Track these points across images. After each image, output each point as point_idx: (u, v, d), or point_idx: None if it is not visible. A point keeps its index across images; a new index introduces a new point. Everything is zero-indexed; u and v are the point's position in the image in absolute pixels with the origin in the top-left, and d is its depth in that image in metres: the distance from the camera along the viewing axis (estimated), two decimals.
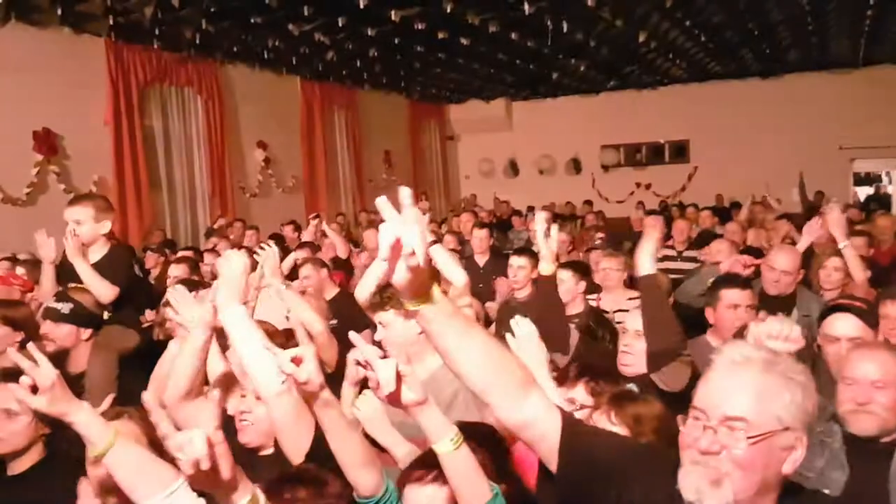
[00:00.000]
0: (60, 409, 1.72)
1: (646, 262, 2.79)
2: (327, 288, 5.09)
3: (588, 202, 14.46)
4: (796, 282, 4.10)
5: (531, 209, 14.54)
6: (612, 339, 3.74)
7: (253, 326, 2.11)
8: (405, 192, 1.31)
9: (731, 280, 3.53)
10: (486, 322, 4.61)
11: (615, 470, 1.45)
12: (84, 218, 3.48)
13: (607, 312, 4.57)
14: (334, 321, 4.17)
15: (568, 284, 4.13)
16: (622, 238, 7.35)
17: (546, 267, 3.29)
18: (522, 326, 2.23)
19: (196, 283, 3.67)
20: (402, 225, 1.26)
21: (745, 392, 1.33)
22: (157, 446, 1.96)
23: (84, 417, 1.73)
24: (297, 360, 1.59)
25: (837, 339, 2.64)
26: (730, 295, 3.33)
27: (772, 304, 3.76)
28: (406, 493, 1.70)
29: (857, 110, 14.43)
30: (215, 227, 9.03)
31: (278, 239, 8.71)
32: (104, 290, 3.27)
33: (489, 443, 1.93)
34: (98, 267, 3.36)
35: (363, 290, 3.17)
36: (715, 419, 1.33)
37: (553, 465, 1.46)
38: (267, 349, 1.70)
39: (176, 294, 2.42)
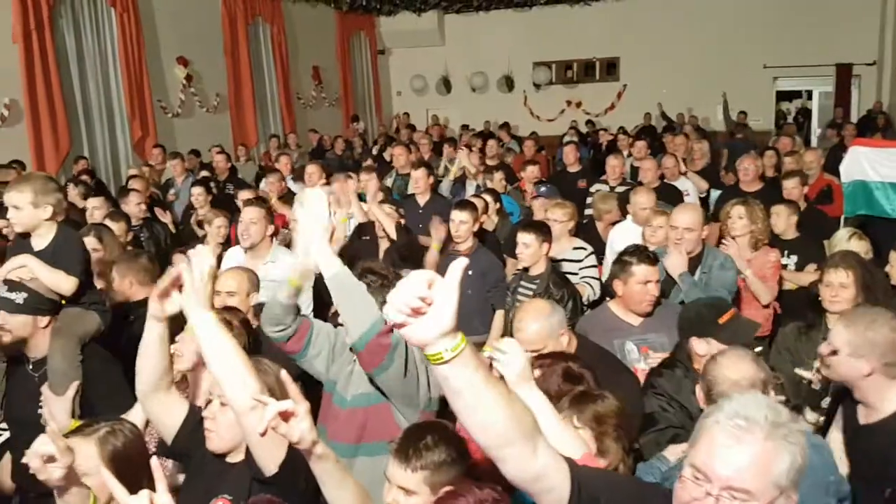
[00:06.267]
0: None
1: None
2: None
3: (505, 125, 14.29)
4: (700, 239, 3.99)
5: (465, 128, 14.44)
6: (570, 298, 3.80)
7: (223, 336, 2.01)
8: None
9: (642, 254, 3.42)
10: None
11: None
12: (21, 203, 3.08)
13: (555, 260, 4.65)
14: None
15: (532, 248, 4.04)
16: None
17: None
18: (510, 351, 1.95)
19: None
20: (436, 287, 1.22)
21: (749, 463, 1.35)
22: (116, 463, 1.96)
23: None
24: (286, 416, 1.52)
25: None
26: (641, 271, 3.31)
27: None
28: None
29: (782, 29, 14.64)
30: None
31: (209, 171, 8.41)
32: (64, 284, 3.02)
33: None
34: (45, 255, 3.07)
35: None
36: (717, 487, 1.36)
37: None
38: (256, 400, 1.64)
39: None
